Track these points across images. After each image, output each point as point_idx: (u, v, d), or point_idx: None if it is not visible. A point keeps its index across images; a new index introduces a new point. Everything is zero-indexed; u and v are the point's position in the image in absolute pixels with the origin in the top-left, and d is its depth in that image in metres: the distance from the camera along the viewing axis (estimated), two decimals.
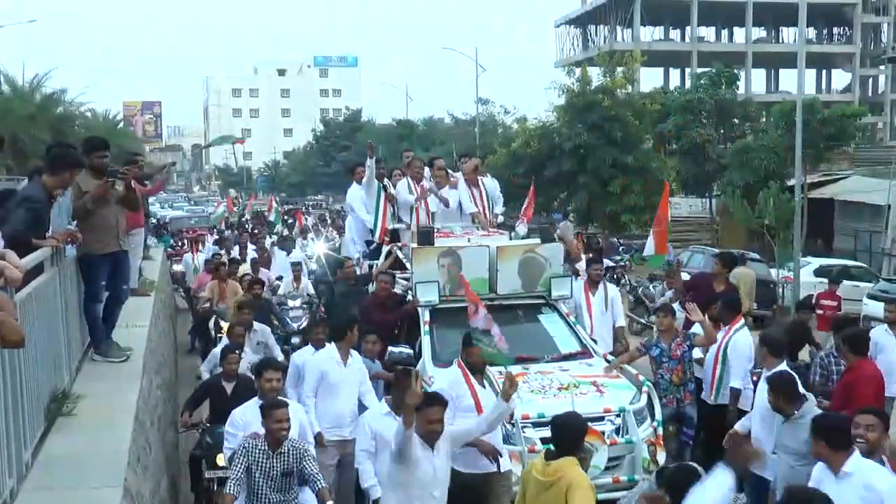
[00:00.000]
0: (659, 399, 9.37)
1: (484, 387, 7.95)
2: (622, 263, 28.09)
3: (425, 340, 9.98)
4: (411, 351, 9.93)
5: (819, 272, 24.27)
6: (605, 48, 50.07)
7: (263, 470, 6.73)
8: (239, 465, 6.72)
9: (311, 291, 16.47)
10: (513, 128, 42.87)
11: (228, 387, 9.17)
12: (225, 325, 12.89)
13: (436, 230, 11.21)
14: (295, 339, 14.52)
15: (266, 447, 6.79)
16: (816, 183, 34.39)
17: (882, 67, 69.41)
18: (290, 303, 15.78)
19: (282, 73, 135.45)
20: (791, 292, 23.35)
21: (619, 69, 35.30)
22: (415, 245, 10.77)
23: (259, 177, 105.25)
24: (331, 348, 8.75)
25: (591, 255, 15.09)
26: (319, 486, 6.80)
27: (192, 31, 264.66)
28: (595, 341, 10.62)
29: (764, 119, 41.81)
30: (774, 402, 7.25)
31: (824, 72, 77.83)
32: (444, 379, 8.09)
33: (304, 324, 14.90)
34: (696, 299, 10.47)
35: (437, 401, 6.59)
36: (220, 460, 8.16)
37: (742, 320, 10.28)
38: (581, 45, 72.45)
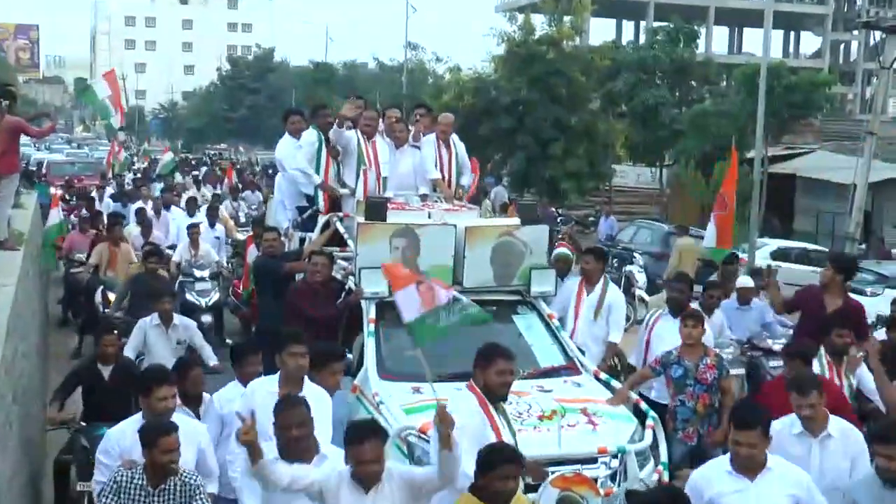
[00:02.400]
0: (674, 432, 8.52)
1: (502, 425, 6.66)
2: (559, 237, 28.18)
3: (369, 344, 8.80)
4: (349, 356, 8.79)
5: (776, 255, 24.67)
6: None
7: None
8: None
9: (215, 258, 15.73)
10: (445, 78, 42.63)
11: (105, 371, 8.56)
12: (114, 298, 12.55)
13: (388, 201, 10.01)
14: (205, 320, 13.83)
15: (144, 482, 5.96)
16: (778, 156, 34.88)
17: (855, 32, 70.69)
18: (197, 273, 14.87)
19: (184, 1, 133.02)
20: (746, 270, 23.66)
21: (567, 18, 35.29)
22: (361, 219, 9.51)
23: (153, 119, 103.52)
24: (266, 381, 7.14)
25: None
26: None
27: None
28: (583, 352, 9.54)
29: (724, 83, 42.36)
30: None
31: (793, 34, 79.15)
32: (460, 409, 6.38)
33: (214, 299, 14.43)
34: (807, 328, 9.38)
35: (372, 433, 5.72)
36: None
37: None
38: None
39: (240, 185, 28.63)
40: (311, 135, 11.14)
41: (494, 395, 6.52)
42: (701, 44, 45.83)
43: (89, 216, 17.97)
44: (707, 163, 30.90)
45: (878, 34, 26.96)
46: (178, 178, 31.75)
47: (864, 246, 27.51)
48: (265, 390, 6.83)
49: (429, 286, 7.01)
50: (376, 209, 9.46)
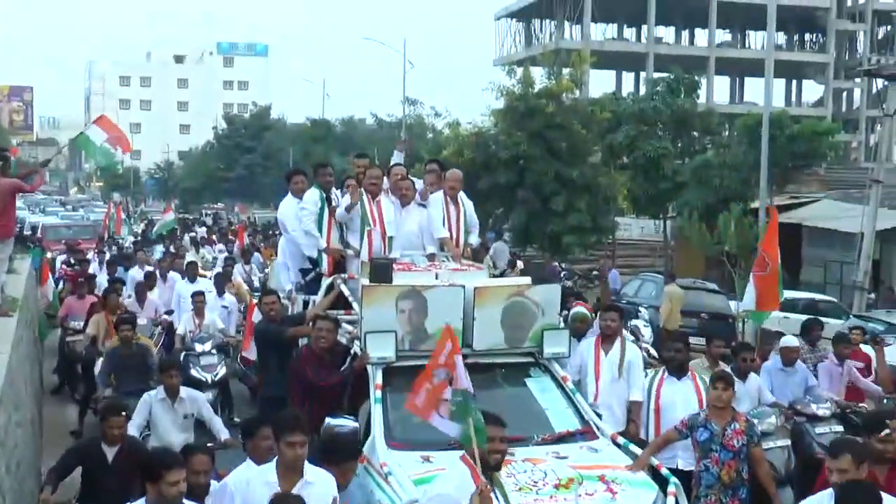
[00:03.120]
0: (697, 500, 8.30)
1: (497, 497, 6.53)
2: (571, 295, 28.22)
3: (376, 411, 8.53)
4: (356, 424, 8.48)
5: (784, 306, 24.62)
6: (550, 46, 50.67)
7: None
8: None
9: (220, 326, 14.84)
10: (444, 133, 42.98)
11: (109, 453, 8.14)
12: None
13: (393, 262, 9.84)
14: (210, 395, 12.93)
15: None
16: (783, 206, 34.94)
17: (857, 80, 71.16)
18: (198, 347, 13.94)
19: (179, 60, 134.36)
20: (752, 328, 23.67)
21: (566, 70, 35.57)
22: (366, 282, 9.23)
23: (149, 179, 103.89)
24: (264, 470, 6.73)
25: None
26: None
27: (72, 6, 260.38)
28: (599, 416, 9.27)
29: (726, 133, 42.59)
30: None
31: (794, 82, 79.78)
32: (448, 481, 6.52)
33: (220, 374, 13.66)
34: None
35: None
36: None
37: None
38: (524, 42, 73.15)
39: (251, 247, 27.60)
40: (313, 194, 11.04)
41: (486, 466, 6.38)
42: (702, 94, 46.18)
43: (84, 281, 17.72)
44: (710, 214, 30.93)
45: (880, 82, 27.21)
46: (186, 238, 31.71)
47: (873, 295, 27.56)
48: (262, 481, 6.52)
49: (435, 388, 7.21)
50: (381, 271, 9.18)
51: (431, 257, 10.74)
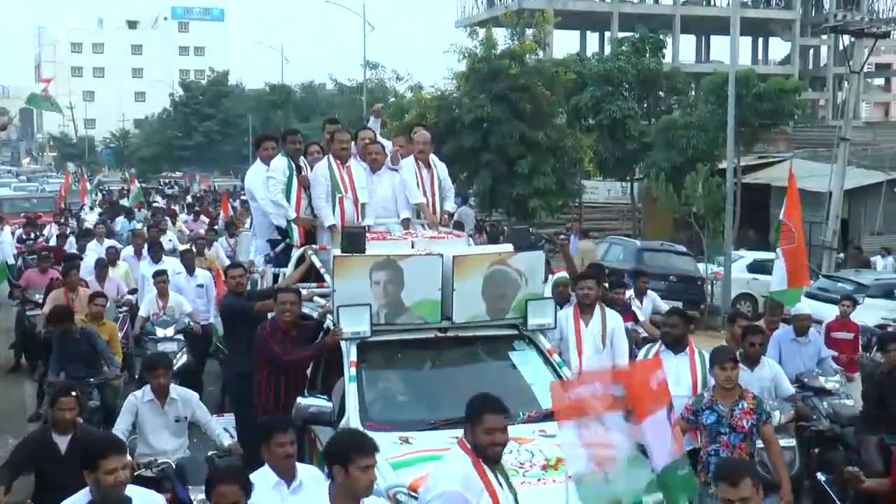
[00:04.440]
0: (706, 486, 7.74)
1: (502, 486, 6.00)
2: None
3: (350, 390, 8.16)
4: (330, 403, 8.22)
5: (753, 267, 24.89)
6: (513, 6, 50.31)
7: None
8: None
9: (186, 310, 14.01)
10: (406, 97, 42.74)
11: (62, 443, 7.71)
12: None
13: (367, 230, 9.48)
14: None
15: None
16: (751, 166, 35.20)
17: (824, 37, 71.44)
18: (159, 331, 13.30)
19: (132, 25, 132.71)
20: (721, 290, 23.83)
21: (529, 31, 35.52)
22: (337, 252, 8.82)
23: (104, 149, 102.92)
24: (262, 474, 6.44)
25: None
26: None
27: None
28: None
29: (693, 93, 42.67)
30: None
31: (760, 40, 79.92)
32: (451, 475, 5.91)
33: (181, 362, 12.84)
34: None
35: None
36: None
37: None
38: (486, 3, 72.65)
39: (235, 219, 25.80)
40: (280, 162, 10.72)
41: (486, 457, 5.90)
42: (668, 53, 46.18)
43: (49, 253, 17.25)
44: (678, 175, 31.03)
45: (846, 38, 27.33)
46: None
47: (842, 255, 27.80)
48: (263, 479, 6.30)
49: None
50: (354, 240, 8.79)
51: (406, 223, 10.50)
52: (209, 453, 8.37)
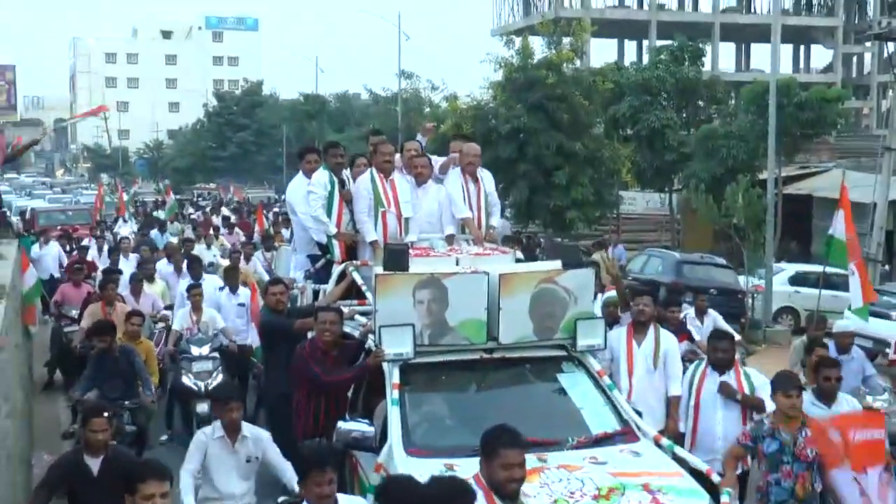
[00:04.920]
0: None
1: None
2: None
3: (393, 414, 7.83)
4: (372, 428, 8.02)
5: (794, 280, 24.70)
6: (549, 14, 50.43)
7: None
8: None
9: (220, 325, 13.63)
10: (441, 107, 42.80)
11: (94, 465, 7.50)
12: None
13: (410, 246, 9.18)
14: (201, 409, 12.33)
15: None
16: (792, 177, 34.97)
17: (868, 44, 70.94)
18: (194, 350, 12.96)
19: (167, 35, 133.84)
20: (762, 303, 23.68)
21: (566, 40, 35.43)
22: (379, 269, 8.53)
23: (138, 159, 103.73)
24: None
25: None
26: None
27: None
28: (640, 414, 8.51)
29: (733, 102, 42.44)
30: None
31: (802, 48, 79.46)
32: None
33: (214, 383, 12.57)
34: None
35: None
36: None
37: None
38: (522, 11, 72.75)
39: (272, 232, 25.25)
40: (322, 176, 10.51)
41: (501, 494, 5.57)
42: (707, 62, 46.03)
43: (81, 266, 17.16)
44: (717, 186, 30.89)
45: (891, 45, 27.11)
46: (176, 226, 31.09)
47: (887, 267, 27.54)
48: None
49: None
50: (397, 257, 8.48)
51: (450, 239, 10.24)
52: (280, 500, 8.03)
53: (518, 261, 9.86)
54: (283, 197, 44.28)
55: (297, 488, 7.11)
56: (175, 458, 10.00)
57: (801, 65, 79.55)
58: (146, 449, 10.99)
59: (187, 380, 12.67)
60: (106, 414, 7.58)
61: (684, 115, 39.54)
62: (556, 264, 9.12)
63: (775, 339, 22.19)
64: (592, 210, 34.33)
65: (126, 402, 10.82)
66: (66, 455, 7.85)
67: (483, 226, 10.66)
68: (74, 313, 15.14)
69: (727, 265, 25.72)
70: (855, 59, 77.72)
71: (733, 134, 34.05)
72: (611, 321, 10.06)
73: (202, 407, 12.30)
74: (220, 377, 12.77)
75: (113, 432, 7.85)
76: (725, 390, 8.90)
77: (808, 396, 8.27)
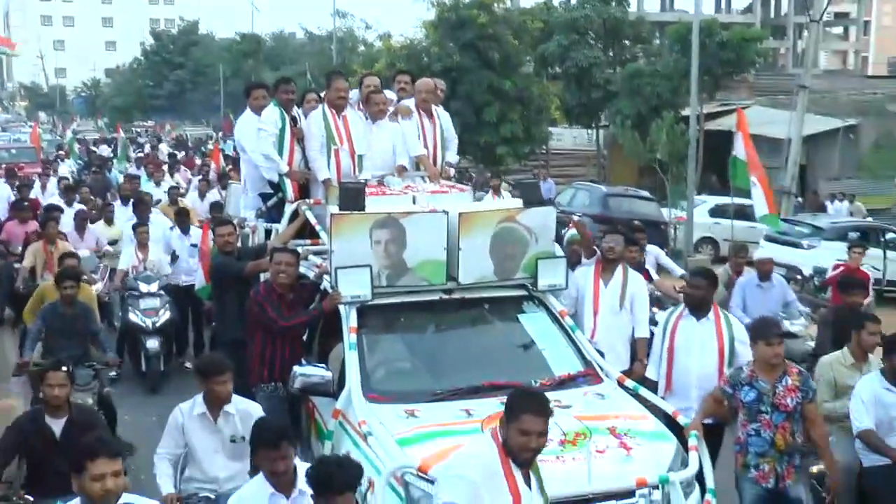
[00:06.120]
0: (745, 469, 7.05)
1: (529, 486, 5.09)
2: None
3: (351, 359, 7.33)
4: (329, 373, 7.49)
5: (714, 212, 25.13)
6: None
7: None
8: None
9: (167, 270, 13.19)
10: (375, 46, 42.58)
11: (56, 426, 6.90)
12: None
13: (365, 184, 8.48)
14: (150, 345, 12.13)
15: None
16: (713, 114, 35.35)
17: None
18: (143, 287, 12.56)
19: None
20: (684, 233, 24.08)
21: None
22: (335, 209, 7.90)
23: (76, 98, 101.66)
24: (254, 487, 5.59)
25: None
26: None
27: None
28: (602, 355, 8.09)
29: (657, 41, 42.72)
30: None
31: None
32: (475, 462, 5.03)
33: (162, 320, 12.35)
34: None
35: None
36: None
37: None
38: None
39: (228, 171, 23.62)
40: (272, 113, 9.76)
41: (515, 458, 5.00)
42: (633, 2, 46.16)
43: (25, 205, 16.54)
44: (642, 123, 31.20)
45: None
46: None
47: (801, 199, 28.11)
48: (258, 493, 5.49)
49: None
50: (353, 196, 7.81)
51: (401, 170, 9.60)
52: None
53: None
54: (219, 134, 43.94)
55: None
56: (127, 400, 9.89)
57: (723, 6, 79.88)
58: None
59: (135, 316, 12.31)
60: (64, 368, 6.98)
61: (611, 53, 39.75)
62: (517, 202, 8.47)
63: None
64: (522, 146, 34.52)
65: (94, 364, 9.61)
66: (26, 415, 7.20)
67: (439, 161, 10.11)
68: (18, 248, 14.73)
69: (651, 198, 26.02)
70: (773, 0, 78.20)
71: (658, 72, 34.35)
72: (574, 261, 9.61)
73: (151, 342, 12.15)
74: (167, 314, 12.49)
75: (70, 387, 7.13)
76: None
77: (877, 378, 7.48)
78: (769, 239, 20.94)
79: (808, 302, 13.59)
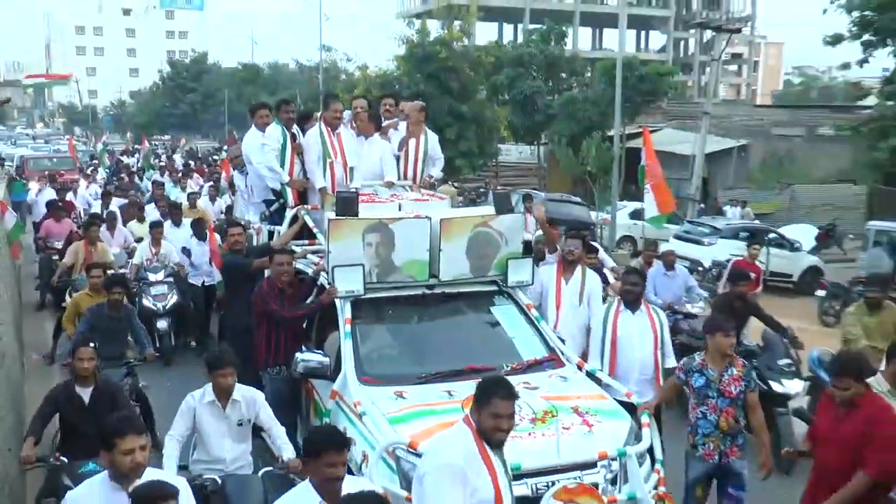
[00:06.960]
0: (693, 448, 6.83)
1: (505, 470, 4.84)
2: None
3: (346, 346, 7.21)
4: (327, 358, 7.34)
5: (633, 215, 25.33)
6: (443, 2, 49.93)
7: None
8: None
9: (176, 259, 12.96)
10: (355, 75, 42.41)
11: (85, 394, 6.78)
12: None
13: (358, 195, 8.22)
14: (161, 325, 12.02)
15: None
16: (633, 134, 35.54)
17: (692, 31, 72.03)
18: (151, 276, 12.49)
19: (126, 12, 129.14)
20: (608, 232, 24.29)
21: (457, 22, 35.34)
22: (330, 214, 7.71)
23: (105, 115, 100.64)
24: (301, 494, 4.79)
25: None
26: None
27: None
28: (563, 341, 7.98)
29: (589, 74, 42.87)
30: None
31: (643, 33, 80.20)
32: (455, 448, 4.72)
33: (170, 304, 12.23)
34: None
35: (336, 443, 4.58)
36: None
37: None
38: None
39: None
40: (275, 131, 9.63)
41: (488, 440, 4.71)
42: (569, 42, 46.26)
43: (62, 205, 16.43)
44: (576, 141, 31.34)
45: (709, 33, 27.66)
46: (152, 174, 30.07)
47: (703, 205, 28.37)
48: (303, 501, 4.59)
49: None
50: (348, 204, 7.61)
51: (389, 185, 9.37)
52: (262, 470, 6.36)
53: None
54: (225, 147, 43.57)
55: (285, 456, 6.21)
56: (146, 370, 9.47)
57: (642, 46, 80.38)
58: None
59: (147, 301, 12.18)
60: (92, 344, 6.88)
61: (551, 84, 39.82)
62: (490, 209, 8.23)
63: (618, 262, 22.72)
64: (476, 159, 34.64)
65: (133, 359, 9.21)
66: (59, 386, 7.01)
67: (418, 175, 9.92)
68: (58, 244, 14.59)
69: (582, 203, 25.71)
70: (682, 42, 78.73)
71: (589, 100, 34.54)
72: (538, 258, 9.34)
73: (161, 323, 12.08)
74: (174, 298, 12.36)
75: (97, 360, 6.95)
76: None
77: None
78: (677, 237, 21.17)
79: (706, 289, 13.79)
